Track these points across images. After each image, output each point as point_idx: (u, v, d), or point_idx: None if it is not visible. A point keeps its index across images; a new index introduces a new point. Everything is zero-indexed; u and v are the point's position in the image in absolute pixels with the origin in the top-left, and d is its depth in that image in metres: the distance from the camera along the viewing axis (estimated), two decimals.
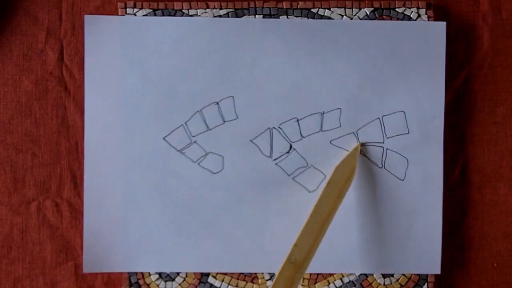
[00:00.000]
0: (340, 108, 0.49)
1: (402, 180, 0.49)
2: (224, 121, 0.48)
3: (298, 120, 0.49)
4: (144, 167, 0.48)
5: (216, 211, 0.49)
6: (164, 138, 0.48)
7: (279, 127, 0.49)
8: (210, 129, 0.49)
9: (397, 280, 0.50)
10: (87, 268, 0.48)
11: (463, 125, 0.51)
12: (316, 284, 0.50)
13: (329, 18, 0.50)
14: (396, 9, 0.50)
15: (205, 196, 0.49)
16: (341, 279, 0.50)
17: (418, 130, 0.49)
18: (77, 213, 0.50)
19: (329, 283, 0.50)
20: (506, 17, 0.51)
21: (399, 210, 0.49)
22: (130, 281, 0.49)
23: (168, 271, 0.49)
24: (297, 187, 0.49)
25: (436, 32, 0.49)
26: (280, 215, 0.49)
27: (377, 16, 0.50)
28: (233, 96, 0.48)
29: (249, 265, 0.49)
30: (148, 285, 0.49)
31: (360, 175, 0.49)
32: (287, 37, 0.49)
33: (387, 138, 0.49)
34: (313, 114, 0.49)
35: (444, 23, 0.49)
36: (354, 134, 0.49)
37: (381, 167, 0.49)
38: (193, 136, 0.48)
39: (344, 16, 0.50)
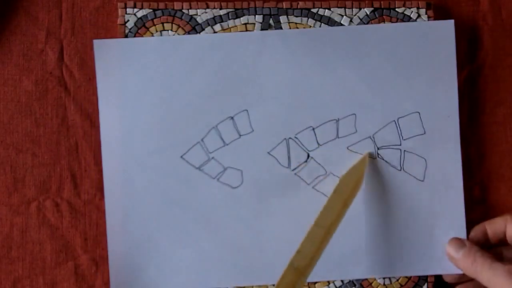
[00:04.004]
0: (354, 114, 0.49)
1: (422, 180, 0.49)
2: (240, 135, 0.48)
3: (313, 129, 0.49)
4: (164, 187, 0.48)
5: (238, 225, 0.48)
6: (181, 157, 0.48)
7: (295, 137, 0.49)
8: (227, 144, 0.48)
9: (397, 280, 0.50)
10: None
11: (463, 125, 0.51)
12: (316, 284, 0.50)
13: (329, 18, 0.50)
14: (396, 9, 0.50)
15: (226, 211, 0.48)
16: (341, 279, 0.50)
17: (434, 129, 0.49)
18: (77, 213, 0.50)
19: (329, 283, 0.50)
20: (506, 17, 0.51)
21: (421, 211, 0.49)
22: None
23: None
24: (318, 195, 0.49)
25: (445, 31, 0.49)
26: (303, 225, 0.48)
27: (377, 16, 0.50)
28: (247, 110, 0.48)
29: (275, 278, 0.47)
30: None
31: (379, 179, 0.49)
32: (296, 48, 0.48)
33: (404, 140, 0.49)
34: (328, 121, 0.49)
35: (452, 21, 0.49)
36: (371, 138, 0.49)
37: (400, 170, 0.49)
38: (211, 153, 0.48)
39: (344, 16, 0.50)
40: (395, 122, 0.49)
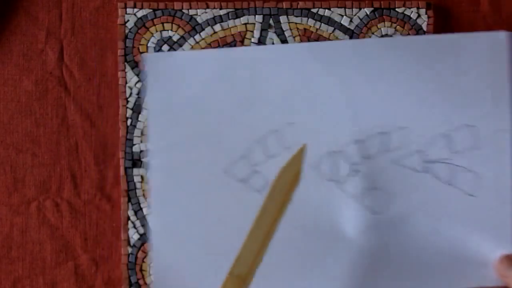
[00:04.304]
0: (403, 127, 0.47)
1: (473, 196, 0.47)
2: (285, 148, 0.47)
3: (361, 142, 0.47)
4: (208, 200, 0.47)
5: (284, 242, 0.47)
6: (225, 170, 0.47)
7: (341, 150, 0.47)
8: (271, 158, 0.47)
9: None
10: None
11: None
12: None
13: (329, 18, 0.50)
14: (396, 9, 0.50)
15: None
16: None
17: (486, 143, 0.47)
18: (77, 213, 0.50)
19: None
20: (506, 17, 0.51)
21: (470, 226, 0.47)
22: (130, 281, 0.49)
23: None
24: (365, 210, 0.47)
25: (496, 42, 0.47)
26: (350, 241, 0.47)
27: (377, 16, 0.50)
28: (292, 123, 0.47)
29: None
30: (148, 285, 0.49)
31: (428, 194, 0.47)
32: (342, 59, 0.47)
33: (455, 153, 0.47)
34: (377, 134, 0.47)
35: (504, 33, 0.47)
36: (420, 152, 0.47)
37: (450, 185, 0.47)
38: (255, 166, 0.47)
39: (344, 16, 0.50)
40: (446, 136, 0.47)
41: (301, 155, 0.45)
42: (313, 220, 0.48)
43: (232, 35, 0.50)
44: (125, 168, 0.49)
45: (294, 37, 0.50)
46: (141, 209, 0.49)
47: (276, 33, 0.50)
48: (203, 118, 0.48)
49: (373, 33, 0.50)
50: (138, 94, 0.49)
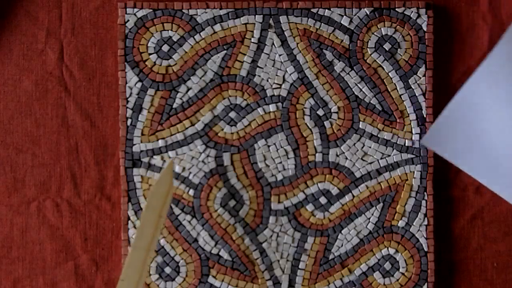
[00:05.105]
0: None
1: None
2: None
3: None
4: None
5: None
6: None
7: None
8: None
9: (397, 280, 0.50)
10: (427, 141, 0.45)
11: None
12: (316, 284, 0.50)
13: (329, 18, 0.50)
14: (396, 9, 0.50)
15: None
16: (341, 279, 0.50)
17: None
18: (77, 213, 0.50)
19: (329, 283, 0.50)
20: (506, 17, 0.51)
21: None
22: None
23: None
24: None
25: None
26: None
27: (377, 16, 0.50)
28: None
29: None
30: (148, 285, 0.49)
31: None
32: None
33: None
34: None
35: None
36: None
37: None
38: None
39: (344, 16, 0.50)
40: None
41: (170, 170, 0.46)
42: None
43: (232, 35, 0.50)
44: (125, 168, 0.49)
45: (294, 37, 0.50)
46: (141, 209, 0.49)
47: (276, 33, 0.50)
48: None
49: (373, 33, 0.50)
50: (138, 94, 0.49)
